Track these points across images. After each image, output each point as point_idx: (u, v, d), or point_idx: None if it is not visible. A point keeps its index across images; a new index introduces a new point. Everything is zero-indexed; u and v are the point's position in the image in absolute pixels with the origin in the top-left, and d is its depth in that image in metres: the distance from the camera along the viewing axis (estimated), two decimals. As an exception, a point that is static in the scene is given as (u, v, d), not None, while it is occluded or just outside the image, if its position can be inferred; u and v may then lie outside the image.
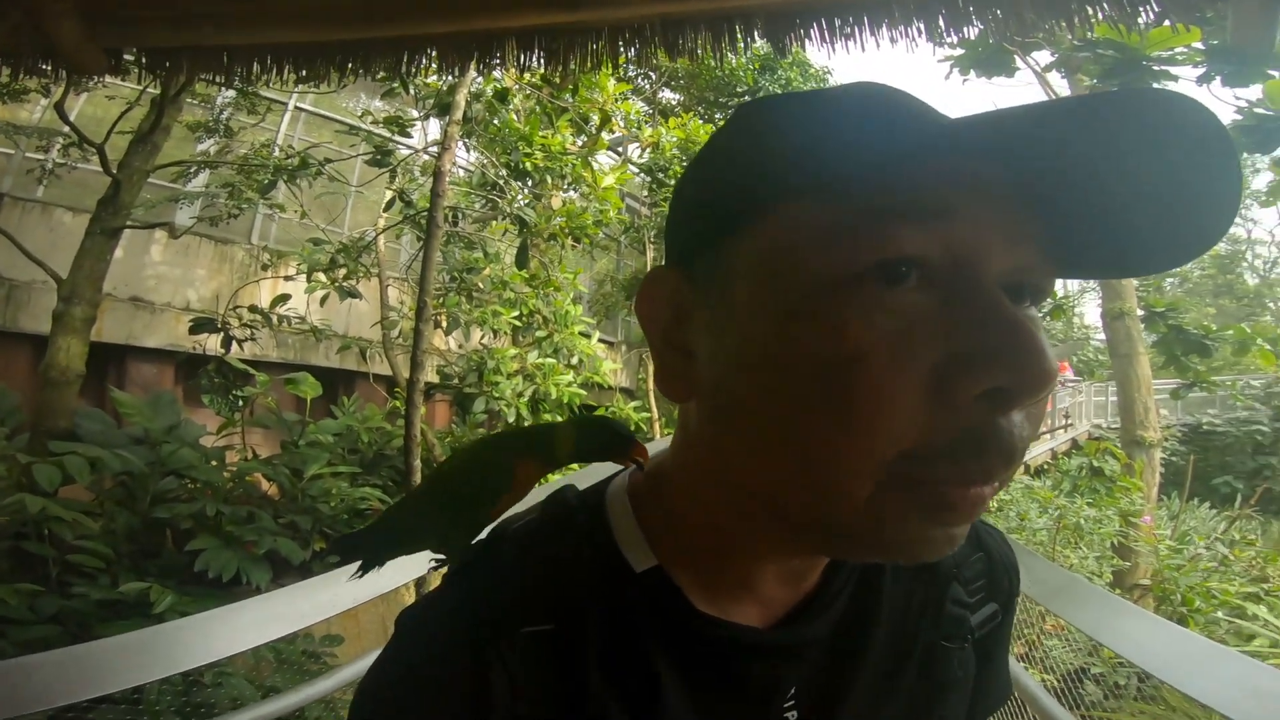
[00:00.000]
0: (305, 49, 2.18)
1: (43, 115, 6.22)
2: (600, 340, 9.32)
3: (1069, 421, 13.36)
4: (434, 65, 2.21)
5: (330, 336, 5.81)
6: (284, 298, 4.98)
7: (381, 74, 2.29)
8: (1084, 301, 23.94)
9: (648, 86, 10.38)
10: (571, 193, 4.88)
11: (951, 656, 0.47)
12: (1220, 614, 4.01)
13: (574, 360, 5.35)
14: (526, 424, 5.10)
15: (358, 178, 5.83)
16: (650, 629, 0.40)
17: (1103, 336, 11.55)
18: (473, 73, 3.51)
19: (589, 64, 2.15)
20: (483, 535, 0.45)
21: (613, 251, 9.67)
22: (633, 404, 6.68)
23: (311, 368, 6.52)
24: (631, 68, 9.49)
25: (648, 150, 7.98)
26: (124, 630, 2.74)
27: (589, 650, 0.39)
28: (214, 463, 4.82)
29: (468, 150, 5.10)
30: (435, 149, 4.05)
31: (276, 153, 5.66)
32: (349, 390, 7.26)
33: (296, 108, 7.33)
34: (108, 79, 2.21)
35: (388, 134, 4.81)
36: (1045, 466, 11.10)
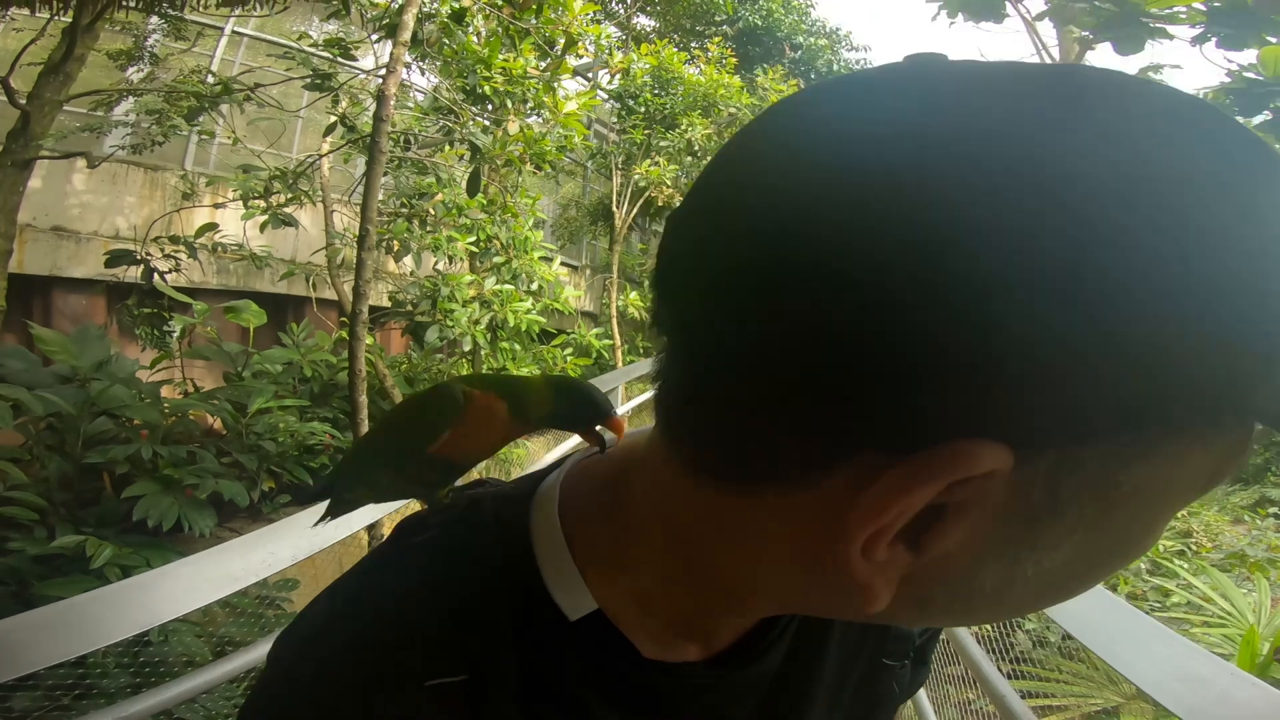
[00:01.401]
0: None
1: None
2: (563, 264, 9.24)
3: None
4: None
5: (271, 263, 5.60)
6: (211, 226, 4.74)
7: None
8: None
9: (622, 11, 9.91)
10: (532, 118, 4.66)
11: (892, 675, 0.46)
12: (1143, 566, 4.28)
13: (534, 286, 5.28)
14: (484, 353, 5.07)
15: (306, 102, 5.50)
16: (586, 678, 0.36)
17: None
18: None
19: None
20: (387, 539, 0.40)
21: (578, 176, 9.44)
22: (595, 330, 6.67)
23: (255, 294, 6.30)
24: None
25: (617, 76, 7.65)
26: (65, 587, 2.71)
27: (509, 698, 0.35)
28: (148, 400, 4.65)
29: (424, 74, 4.81)
30: (382, 72, 3.81)
31: (211, 79, 5.28)
32: (298, 316, 7.06)
33: (235, 32, 6.83)
34: (12, 11, 1.96)
35: (330, 57, 4.50)
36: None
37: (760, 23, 10.62)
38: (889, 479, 0.23)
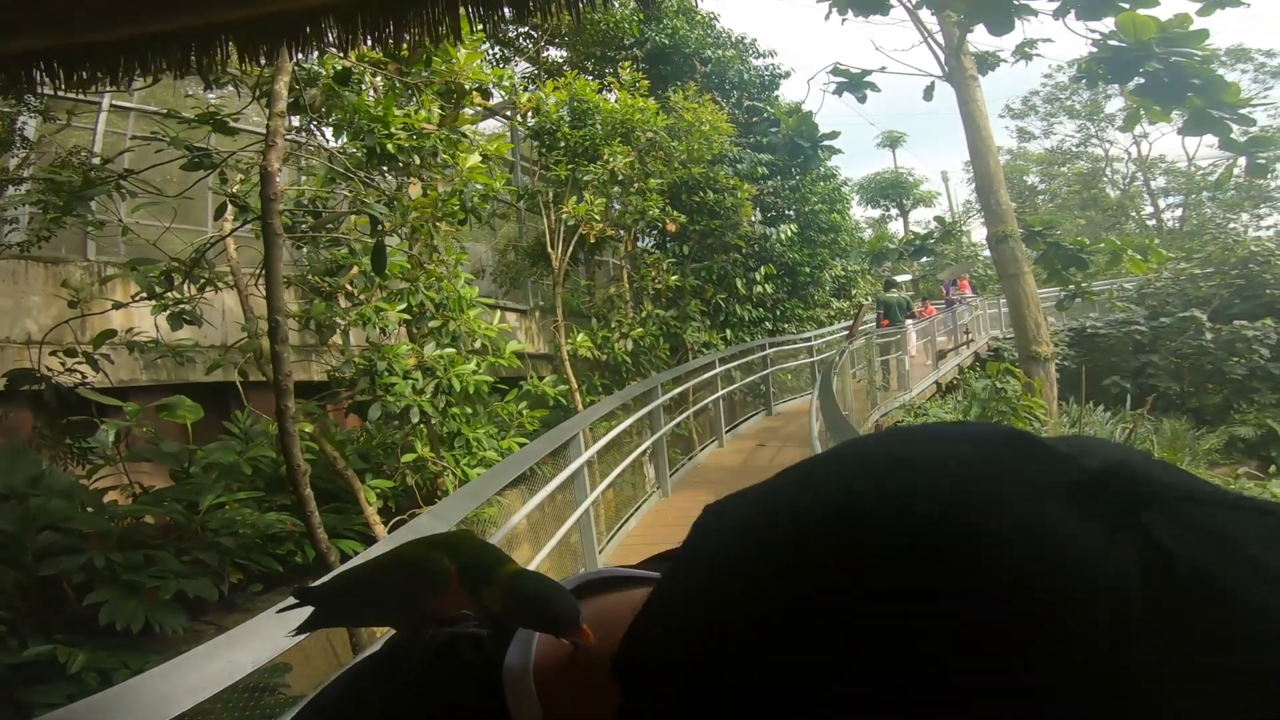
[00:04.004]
0: (63, 52, 2.11)
1: None
2: (511, 309, 9.42)
3: (970, 337, 14.62)
4: (233, 56, 2.13)
5: (196, 354, 5.62)
6: (109, 333, 4.77)
7: (166, 70, 2.23)
8: (969, 222, 25.90)
9: (530, 46, 10.24)
10: (436, 175, 4.81)
11: None
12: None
13: (476, 345, 5.45)
14: (435, 421, 5.19)
15: (186, 184, 5.44)
16: None
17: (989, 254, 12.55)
18: (297, 58, 3.38)
19: (431, 34, 2.09)
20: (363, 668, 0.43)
21: (512, 219, 9.66)
22: (549, 377, 6.86)
23: (189, 386, 6.28)
24: (512, 28, 9.33)
25: (529, 115, 7.94)
26: (47, 693, 2.78)
27: None
28: (91, 509, 4.69)
29: (326, 139, 4.97)
30: (262, 146, 3.88)
31: (96, 160, 5.31)
32: (242, 403, 7.05)
33: (114, 105, 6.79)
34: None
35: (200, 134, 4.56)
36: (954, 383, 12.18)
37: (667, 41, 11.05)
38: None
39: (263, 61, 2.40)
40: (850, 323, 11.80)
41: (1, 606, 3.35)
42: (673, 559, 0.34)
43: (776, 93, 13.02)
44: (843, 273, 13.49)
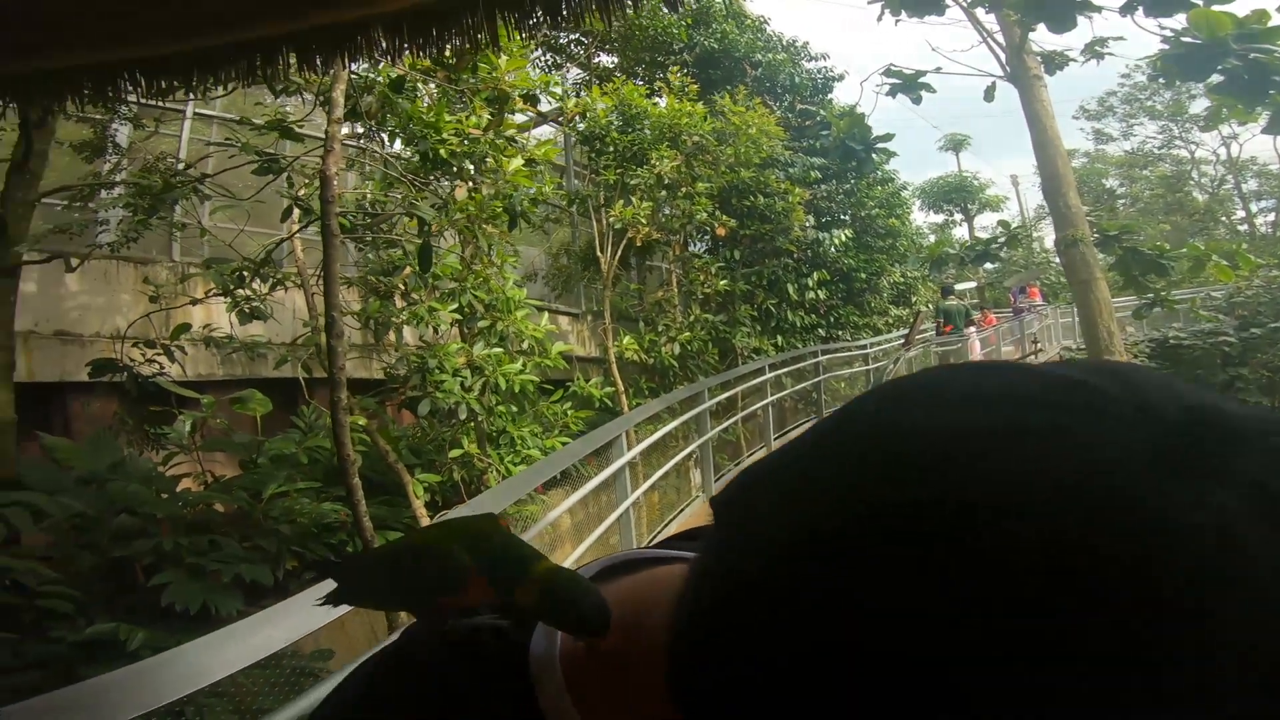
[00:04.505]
0: (143, 63, 2.25)
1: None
2: (563, 313, 9.53)
3: (1039, 347, 13.99)
4: (293, 65, 2.23)
5: (263, 351, 5.90)
6: (184, 327, 5.02)
7: (234, 84, 2.36)
8: (1042, 228, 24.76)
9: (581, 52, 10.39)
10: (486, 179, 4.93)
11: None
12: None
13: (524, 345, 5.53)
14: (481, 418, 5.30)
15: (258, 187, 5.74)
16: None
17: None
18: (356, 66, 3.51)
19: (470, 42, 2.14)
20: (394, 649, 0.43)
21: (565, 223, 9.78)
22: (595, 380, 6.90)
23: (260, 381, 6.58)
24: (563, 35, 9.50)
25: (577, 119, 8.04)
26: (103, 670, 2.97)
27: None
28: (165, 495, 4.97)
29: (383, 144, 5.15)
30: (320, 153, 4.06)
31: (180, 165, 5.64)
32: (307, 397, 7.36)
33: (197, 113, 7.22)
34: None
35: (272, 141, 4.78)
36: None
37: (717, 46, 10.97)
38: None
39: (320, 71, 2.53)
40: (907, 330, 11.45)
41: (76, 586, 3.58)
42: (697, 537, 0.33)
43: (830, 96, 12.80)
44: (901, 279, 13.10)
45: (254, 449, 5.98)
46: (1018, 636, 0.20)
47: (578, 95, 8.64)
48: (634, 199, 7.73)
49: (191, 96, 2.79)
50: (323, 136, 4.92)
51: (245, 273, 5.05)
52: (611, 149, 8.24)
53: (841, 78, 12.94)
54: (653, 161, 7.81)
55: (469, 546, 0.41)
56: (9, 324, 4.96)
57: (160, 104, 6.17)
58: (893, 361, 8.32)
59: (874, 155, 11.78)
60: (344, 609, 1.86)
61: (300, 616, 1.86)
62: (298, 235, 5.47)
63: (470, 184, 4.96)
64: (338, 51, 2.30)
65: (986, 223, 29.01)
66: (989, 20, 9.41)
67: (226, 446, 6.02)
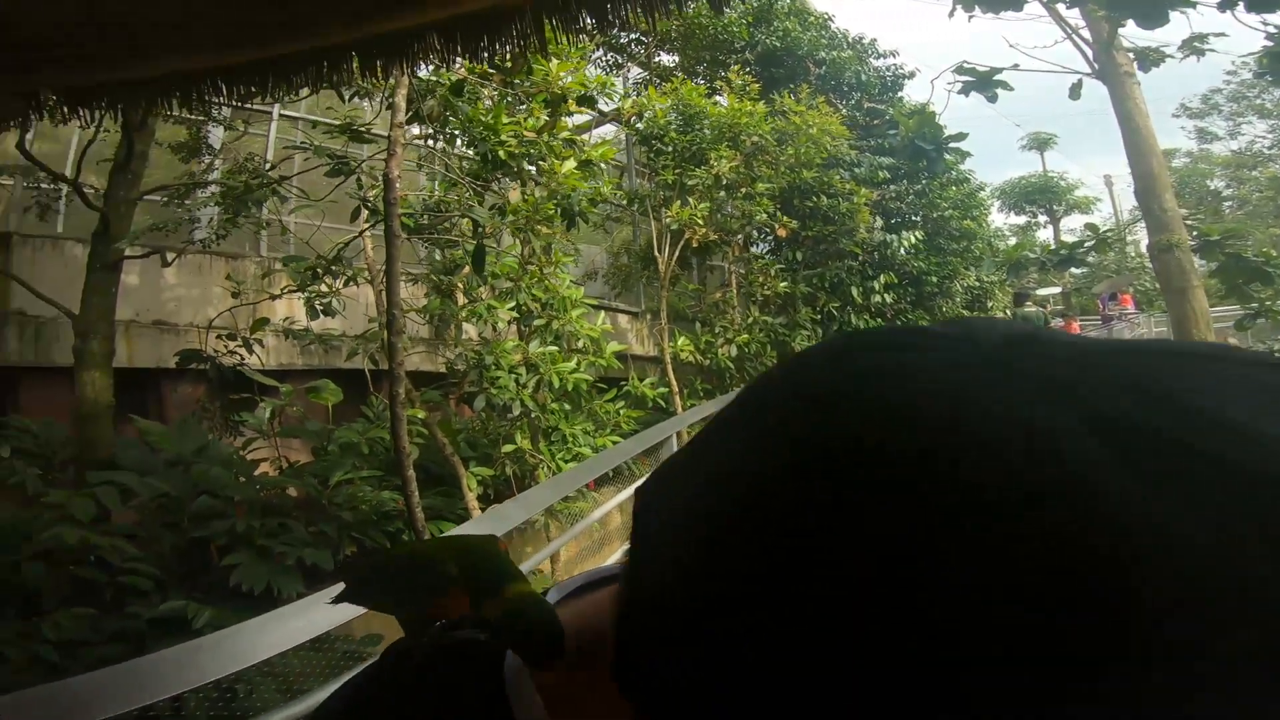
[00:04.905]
0: (227, 72, 2.39)
1: (39, 150, 6.65)
2: (623, 311, 9.56)
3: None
4: (357, 71, 2.34)
5: (337, 344, 6.17)
6: (263, 321, 5.28)
7: (304, 89, 2.48)
8: (1137, 231, 23.07)
9: (642, 52, 10.39)
10: (547, 179, 5.00)
11: None
12: None
13: (579, 344, 5.57)
14: (534, 415, 5.38)
15: (330, 188, 6.01)
16: None
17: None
18: (409, 71, 3.62)
19: (520, 46, 2.22)
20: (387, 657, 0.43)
21: (626, 222, 9.80)
22: (649, 380, 6.89)
23: (334, 371, 6.90)
24: (623, 35, 9.53)
25: (634, 119, 8.03)
26: (171, 645, 3.19)
27: None
28: (243, 479, 5.26)
29: (448, 145, 5.28)
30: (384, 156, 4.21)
31: (267, 165, 5.95)
32: (376, 389, 7.66)
33: (282, 114, 7.61)
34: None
35: (343, 143, 4.99)
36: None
37: (779, 44, 10.76)
38: None
39: (381, 76, 2.64)
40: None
41: (156, 564, 3.83)
42: None
43: (899, 94, 12.34)
44: (976, 283, 12.50)
45: (325, 436, 6.26)
46: (893, 571, 0.20)
47: (637, 95, 8.63)
48: (691, 199, 7.67)
49: (272, 100, 2.97)
50: (391, 137, 5.14)
51: (319, 270, 5.29)
52: (670, 149, 8.20)
53: (912, 75, 12.48)
54: (711, 162, 7.73)
55: (457, 559, 0.43)
56: (110, 314, 5.36)
57: (248, 106, 6.59)
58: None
59: (945, 155, 11.28)
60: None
61: (342, 604, 1.96)
62: (367, 234, 5.72)
63: (525, 186, 5.04)
64: (397, 58, 2.41)
65: (1074, 225, 27.40)
66: (1072, 16, 8.86)
67: (301, 433, 6.33)
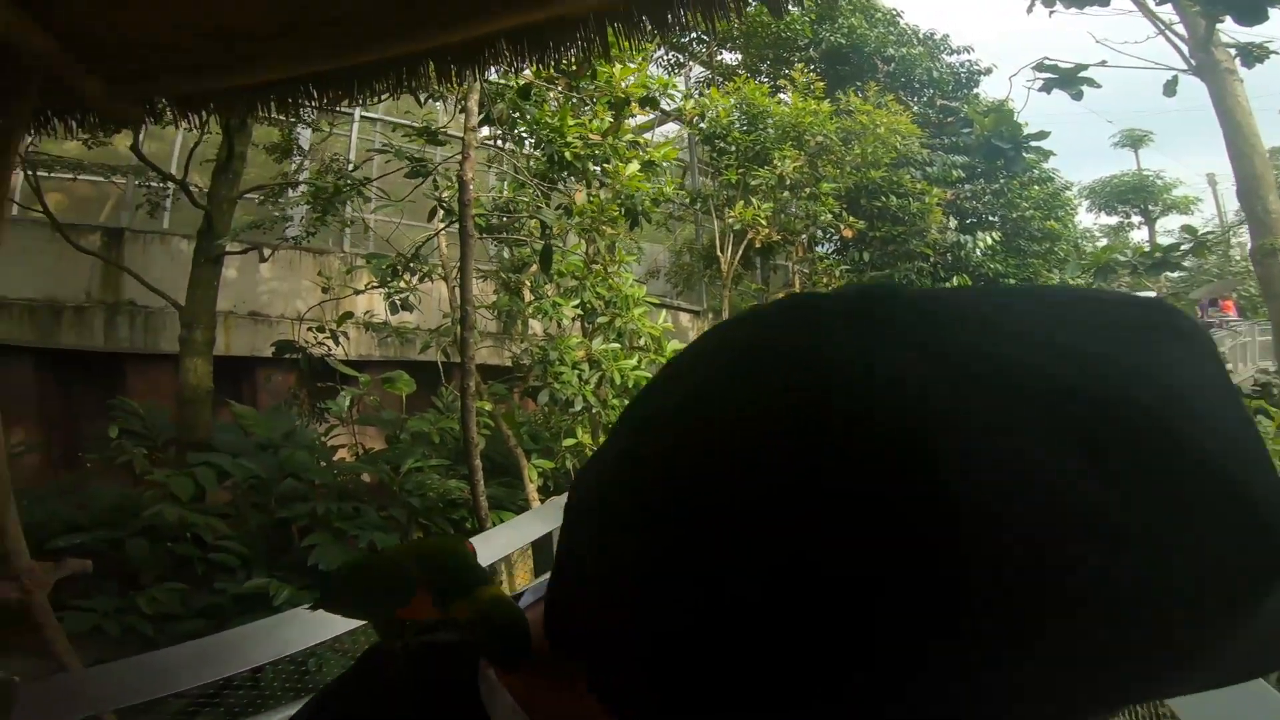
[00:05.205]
0: (317, 79, 2.54)
1: (147, 151, 7.17)
2: (685, 309, 9.55)
3: (1229, 368, 12.09)
4: (433, 77, 2.46)
5: (412, 337, 6.41)
6: (348, 315, 5.55)
7: (385, 94, 2.62)
8: (1242, 232, 21.27)
9: (704, 51, 10.32)
10: (611, 180, 5.06)
11: None
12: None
13: (641, 342, 5.62)
14: (595, 410, 5.46)
15: (409, 189, 6.23)
16: None
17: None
18: (488, 77, 3.72)
19: (584, 51, 2.31)
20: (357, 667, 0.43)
21: (689, 221, 9.78)
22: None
23: (408, 363, 7.19)
24: (685, 35, 9.49)
25: (697, 119, 7.98)
26: (253, 622, 3.42)
27: None
28: (324, 463, 5.57)
29: (518, 147, 5.42)
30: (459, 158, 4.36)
31: (350, 167, 6.25)
32: (449, 381, 7.93)
33: (363, 116, 7.94)
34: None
35: (420, 145, 5.17)
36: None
37: (844, 41, 10.53)
38: None
39: (455, 81, 2.77)
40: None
41: (244, 543, 4.11)
42: None
43: (975, 90, 11.80)
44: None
45: (398, 425, 6.56)
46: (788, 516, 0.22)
47: (700, 94, 8.57)
48: (754, 199, 7.59)
49: (355, 104, 3.15)
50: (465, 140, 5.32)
51: (398, 267, 5.54)
52: (733, 149, 8.13)
53: (988, 71, 11.92)
54: (775, 161, 7.62)
55: (422, 562, 0.42)
56: (212, 305, 5.78)
57: (332, 110, 6.92)
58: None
59: (1025, 153, 10.73)
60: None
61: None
62: (442, 232, 5.95)
63: (590, 187, 5.13)
64: (469, 64, 2.53)
65: (1172, 226, 25.53)
66: (1164, 11, 8.26)
67: (376, 422, 6.65)
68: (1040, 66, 9.29)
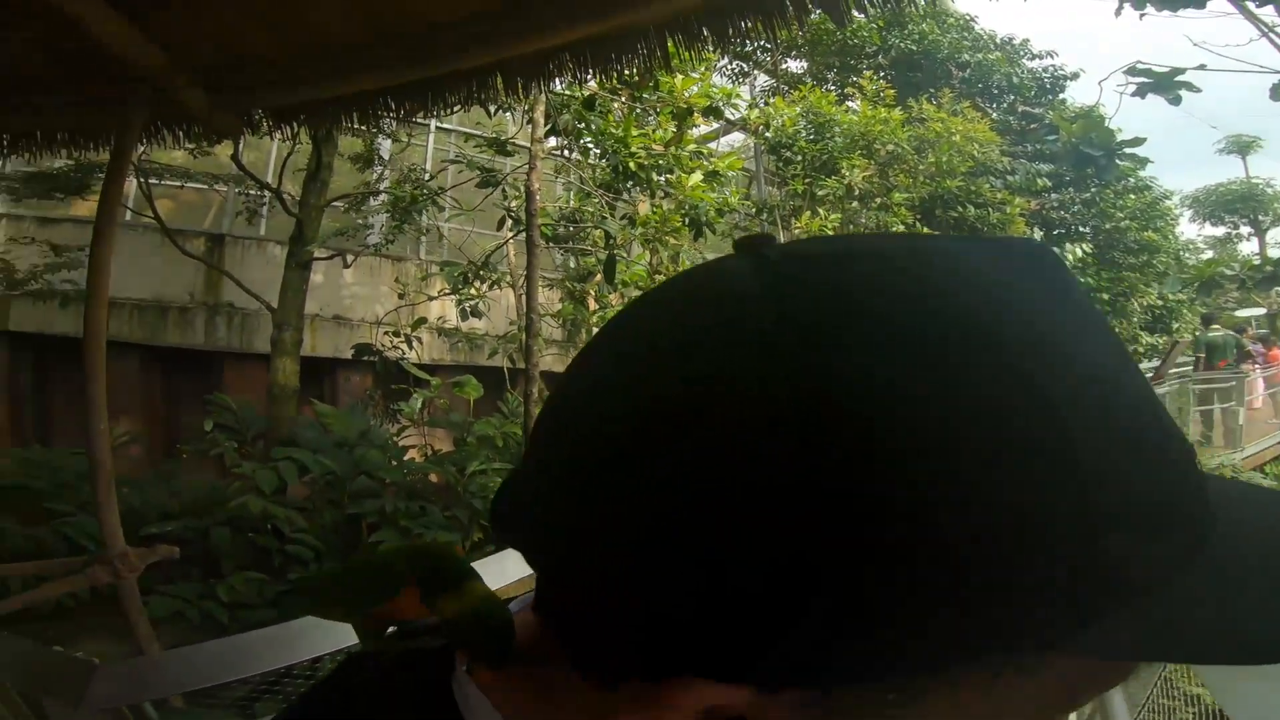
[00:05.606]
0: (395, 91, 2.65)
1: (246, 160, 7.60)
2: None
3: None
4: (501, 89, 2.53)
5: (480, 342, 6.56)
6: (421, 320, 5.72)
7: (457, 105, 2.70)
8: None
9: (768, 59, 10.19)
10: (675, 191, 5.05)
11: None
12: None
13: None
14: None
15: (481, 198, 6.34)
16: None
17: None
18: (553, 89, 3.78)
19: (645, 63, 2.33)
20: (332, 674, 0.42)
21: (754, 231, 9.66)
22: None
23: (478, 368, 7.38)
24: (749, 43, 9.41)
25: (762, 129, 7.86)
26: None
27: None
28: (395, 462, 5.77)
29: (586, 155, 5.49)
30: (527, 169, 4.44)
31: (426, 176, 6.48)
32: (514, 386, 8.10)
33: (438, 127, 8.22)
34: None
35: (490, 156, 5.29)
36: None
37: (915, 47, 10.18)
38: (626, 706, 0.25)
39: (522, 93, 2.85)
40: (1158, 363, 9.63)
41: (319, 536, 4.29)
42: None
43: (1061, 96, 11.14)
44: (1159, 302, 11.04)
45: (465, 428, 6.73)
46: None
47: (764, 103, 8.44)
48: (822, 210, 7.41)
49: (430, 115, 3.26)
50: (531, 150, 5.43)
51: (469, 274, 5.69)
52: (799, 158, 7.98)
53: (1075, 76, 11.23)
54: (843, 171, 7.42)
55: (410, 561, 0.42)
56: (301, 308, 6.10)
57: (410, 121, 7.20)
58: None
59: (1118, 161, 10.05)
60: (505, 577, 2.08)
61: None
62: (510, 241, 6.09)
63: (654, 197, 5.14)
64: (535, 76, 2.58)
65: (1286, 236, 23.42)
66: (1266, 14, 7.55)
67: (445, 424, 6.85)
68: (1133, 70, 8.68)
